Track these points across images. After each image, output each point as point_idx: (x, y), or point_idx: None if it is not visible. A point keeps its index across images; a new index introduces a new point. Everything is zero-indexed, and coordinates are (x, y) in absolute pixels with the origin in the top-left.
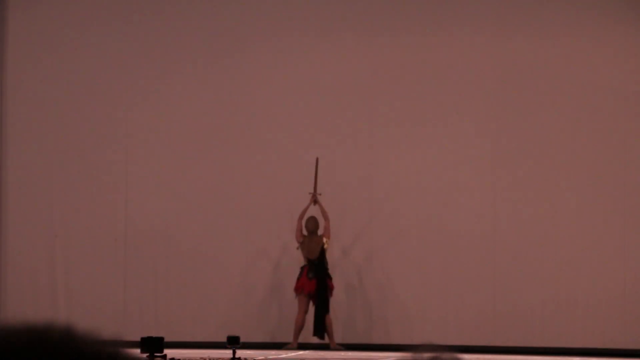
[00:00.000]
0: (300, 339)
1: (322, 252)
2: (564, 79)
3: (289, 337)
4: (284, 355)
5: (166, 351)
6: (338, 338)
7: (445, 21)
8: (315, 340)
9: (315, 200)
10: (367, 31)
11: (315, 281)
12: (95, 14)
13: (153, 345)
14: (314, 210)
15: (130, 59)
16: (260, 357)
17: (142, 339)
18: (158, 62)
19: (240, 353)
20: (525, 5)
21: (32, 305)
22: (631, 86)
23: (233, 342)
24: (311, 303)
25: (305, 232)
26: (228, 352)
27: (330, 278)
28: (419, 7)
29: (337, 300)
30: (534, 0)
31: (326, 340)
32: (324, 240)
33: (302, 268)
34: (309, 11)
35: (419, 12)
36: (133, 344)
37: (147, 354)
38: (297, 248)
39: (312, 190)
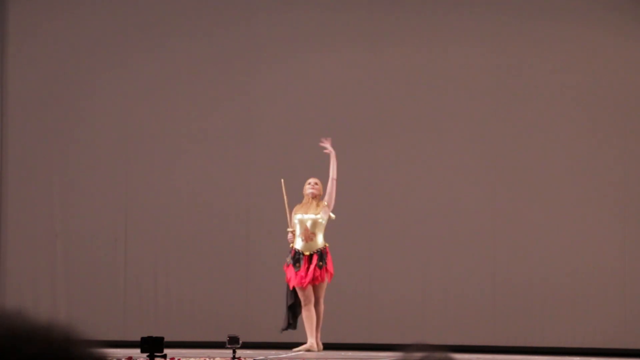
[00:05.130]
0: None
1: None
2: (564, 80)
3: (289, 337)
4: (284, 355)
5: (166, 351)
6: (338, 338)
7: (445, 27)
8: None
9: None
10: (368, 39)
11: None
12: (97, 12)
13: (153, 345)
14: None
15: (132, 58)
16: (260, 357)
17: (142, 339)
18: (159, 61)
19: (240, 353)
20: (526, 9)
21: (32, 305)
22: (631, 87)
23: (233, 342)
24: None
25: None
26: (228, 352)
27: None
28: (420, 14)
29: (337, 300)
30: (534, 6)
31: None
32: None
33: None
34: (312, 20)
35: (420, 19)
36: (133, 344)
37: (147, 354)
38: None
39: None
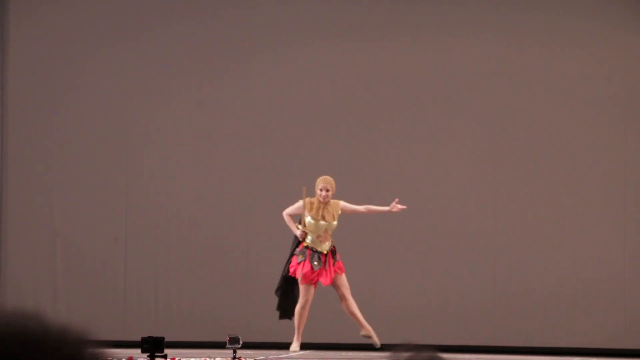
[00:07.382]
0: (309, 338)
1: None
2: (565, 79)
3: (289, 337)
4: (284, 355)
5: (166, 351)
6: (338, 338)
7: (446, 24)
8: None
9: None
10: (368, 35)
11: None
12: (96, 16)
13: (153, 345)
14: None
15: (130, 59)
16: (260, 357)
17: (142, 339)
18: (157, 63)
19: (240, 353)
20: (528, 8)
21: (32, 304)
22: (631, 87)
23: (233, 342)
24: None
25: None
26: (228, 352)
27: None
28: (421, 10)
29: (337, 300)
30: (536, 5)
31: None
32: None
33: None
34: (310, 16)
35: (421, 15)
36: (133, 344)
37: (148, 354)
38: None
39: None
